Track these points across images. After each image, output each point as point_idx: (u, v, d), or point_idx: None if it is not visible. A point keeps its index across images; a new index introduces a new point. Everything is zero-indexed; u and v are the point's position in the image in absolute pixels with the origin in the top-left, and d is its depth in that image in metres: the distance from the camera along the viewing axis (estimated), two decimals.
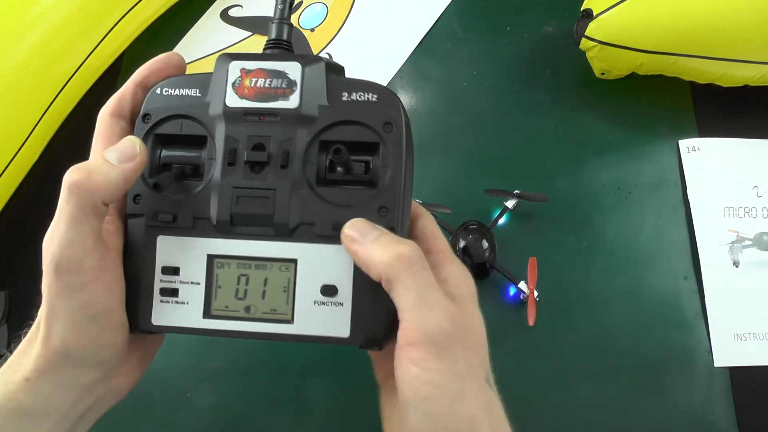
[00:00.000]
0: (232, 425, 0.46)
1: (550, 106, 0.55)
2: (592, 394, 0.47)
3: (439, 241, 0.29)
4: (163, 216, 0.26)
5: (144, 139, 0.27)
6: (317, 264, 0.26)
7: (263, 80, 0.26)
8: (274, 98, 0.26)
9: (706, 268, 0.50)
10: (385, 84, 0.56)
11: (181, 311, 0.26)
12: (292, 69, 0.26)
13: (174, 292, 0.26)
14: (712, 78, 0.52)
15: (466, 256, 0.47)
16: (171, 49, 0.57)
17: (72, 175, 0.25)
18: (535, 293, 0.46)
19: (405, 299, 0.24)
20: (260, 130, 0.26)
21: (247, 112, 0.26)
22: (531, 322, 0.45)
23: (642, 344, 0.48)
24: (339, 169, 0.27)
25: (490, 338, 0.29)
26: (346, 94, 0.26)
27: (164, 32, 0.58)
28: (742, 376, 0.48)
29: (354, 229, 0.25)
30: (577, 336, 0.48)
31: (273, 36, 0.28)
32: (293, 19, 0.59)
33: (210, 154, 0.27)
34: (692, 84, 0.54)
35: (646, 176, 0.53)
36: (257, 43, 0.58)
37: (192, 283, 0.26)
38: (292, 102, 0.26)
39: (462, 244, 0.47)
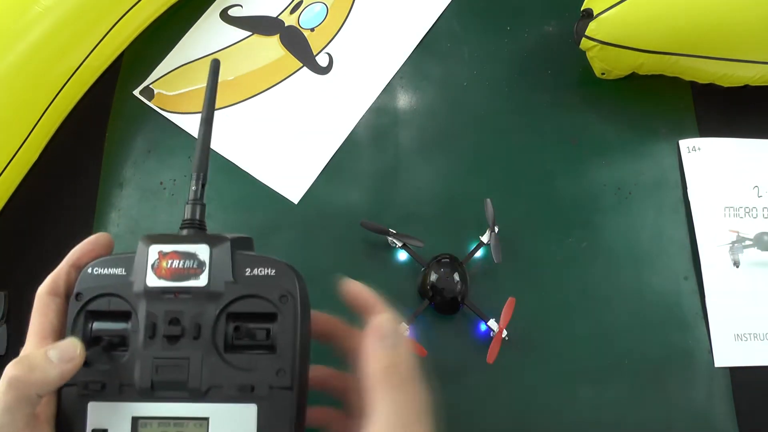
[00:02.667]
0: None
1: (550, 106, 0.55)
2: (592, 395, 0.47)
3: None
4: (93, 385, 0.30)
5: (77, 316, 0.31)
6: (226, 421, 0.30)
7: (177, 261, 0.30)
8: (187, 278, 0.30)
9: (707, 268, 0.50)
10: (385, 83, 0.56)
11: None
12: (202, 251, 0.30)
13: None
14: (712, 78, 0.52)
15: (435, 290, 0.46)
16: (170, 49, 0.57)
17: (14, 370, 0.27)
18: (504, 332, 0.46)
19: (380, 410, 0.28)
20: (175, 306, 0.30)
21: (164, 291, 0.30)
22: (490, 360, 0.45)
23: (642, 344, 0.48)
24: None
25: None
26: (249, 269, 0.30)
27: (164, 32, 0.58)
28: (742, 376, 0.48)
29: (386, 324, 0.29)
30: (578, 336, 0.48)
31: (188, 216, 0.33)
32: (293, 18, 0.59)
33: (134, 327, 0.30)
34: (692, 84, 0.54)
35: (647, 176, 0.53)
36: (256, 44, 0.58)
37: None
38: (202, 280, 0.30)
39: (433, 277, 0.46)
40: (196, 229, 0.33)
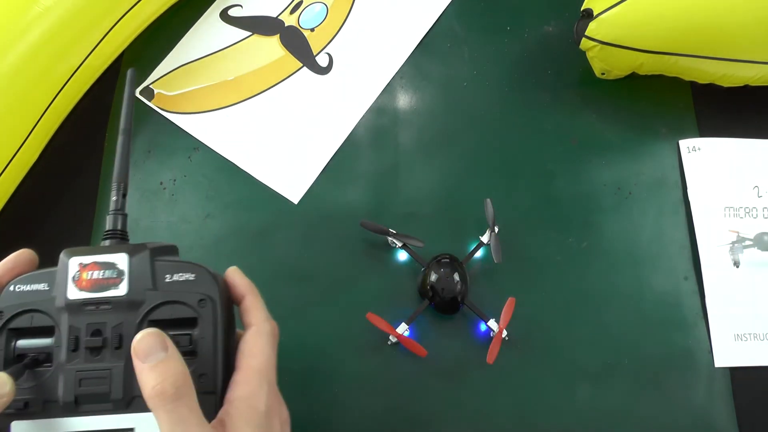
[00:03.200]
0: None
1: (550, 106, 0.55)
2: (592, 395, 0.47)
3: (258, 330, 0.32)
4: (15, 404, 0.29)
5: None
6: (151, 430, 0.29)
7: (97, 272, 0.30)
8: (107, 288, 0.30)
9: (707, 268, 0.50)
10: (385, 83, 0.56)
11: None
12: (120, 260, 0.30)
13: None
14: (712, 78, 0.52)
15: (435, 290, 0.46)
16: (170, 49, 0.57)
17: None
18: (504, 332, 0.46)
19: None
20: (97, 317, 0.30)
21: (86, 303, 0.30)
22: (490, 360, 0.44)
23: (642, 344, 0.48)
24: None
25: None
26: (169, 276, 0.30)
27: (164, 32, 0.58)
28: (742, 377, 0.48)
29: (142, 344, 0.27)
30: (578, 336, 0.48)
31: (109, 227, 0.32)
32: (293, 19, 0.59)
33: (57, 342, 0.30)
34: (692, 84, 0.54)
35: (647, 176, 0.53)
36: (256, 44, 0.58)
37: None
38: (122, 289, 0.30)
39: (433, 277, 0.46)
40: (117, 240, 0.32)
